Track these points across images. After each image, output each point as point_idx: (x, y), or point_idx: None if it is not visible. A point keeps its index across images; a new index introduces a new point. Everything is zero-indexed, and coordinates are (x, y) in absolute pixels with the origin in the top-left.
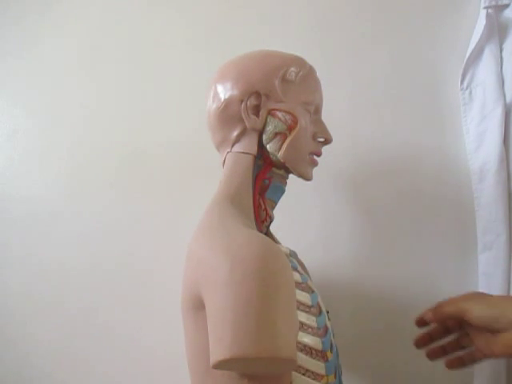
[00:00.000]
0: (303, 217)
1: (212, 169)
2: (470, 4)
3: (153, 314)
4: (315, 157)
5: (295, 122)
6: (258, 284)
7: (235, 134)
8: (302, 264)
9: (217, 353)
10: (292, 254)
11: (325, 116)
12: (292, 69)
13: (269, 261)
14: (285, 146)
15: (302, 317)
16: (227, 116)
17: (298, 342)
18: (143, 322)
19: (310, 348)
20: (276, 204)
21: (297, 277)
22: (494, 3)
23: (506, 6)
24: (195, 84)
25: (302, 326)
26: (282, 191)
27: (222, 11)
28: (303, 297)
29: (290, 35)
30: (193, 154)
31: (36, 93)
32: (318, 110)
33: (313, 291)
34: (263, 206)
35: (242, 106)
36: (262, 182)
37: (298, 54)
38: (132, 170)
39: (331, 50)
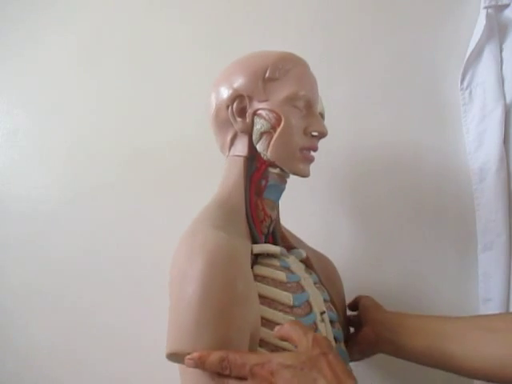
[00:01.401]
0: (302, 216)
1: (212, 169)
2: (469, 4)
3: (153, 313)
4: (312, 152)
5: (279, 119)
6: (197, 285)
7: (229, 138)
8: (307, 261)
9: (166, 347)
10: (283, 253)
11: (325, 115)
12: (274, 66)
13: (212, 264)
14: (271, 144)
15: (278, 317)
16: (220, 122)
17: (269, 343)
18: (143, 322)
19: (283, 349)
20: (275, 203)
21: (281, 276)
22: (493, 3)
23: (506, 5)
24: (196, 84)
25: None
26: (281, 190)
27: (222, 11)
28: (284, 297)
29: (290, 35)
30: (193, 154)
31: (36, 93)
32: (310, 104)
33: (303, 291)
34: (261, 207)
35: (229, 110)
36: (259, 182)
37: (298, 53)
38: (132, 170)
39: (331, 49)
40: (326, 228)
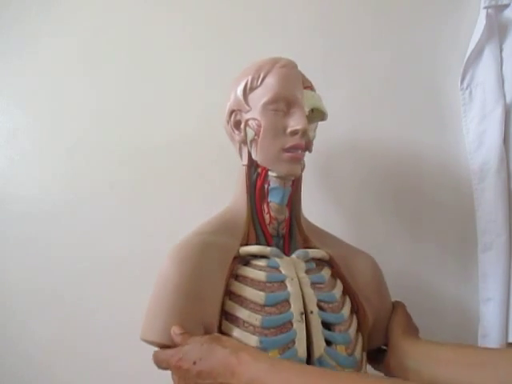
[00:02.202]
0: None
1: (212, 169)
2: (469, 4)
3: None
4: (300, 151)
5: (259, 125)
6: (159, 282)
7: (237, 150)
8: (331, 261)
9: None
10: (275, 254)
11: (326, 111)
12: (253, 75)
13: (172, 264)
14: (257, 150)
15: (244, 314)
16: (229, 136)
17: (236, 337)
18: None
19: (245, 344)
20: (281, 205)
21: (260, 275)
22: (493, 3)
23: (506, 6)
24: (196, 84)
25: (243, 324)
26: (282, 192)
27: (222, 11)
28: (255, 296)
29: (290, 36)
30: (193, 154)
31: (36, 93)
32: (289, 103)
33: (284, 290)
34: (266, 210)
35: (229, 126)
36: (262, 187)
37: (298, 54)
38: (132, 170)
39: (331, 50)
40: (324, 228)
